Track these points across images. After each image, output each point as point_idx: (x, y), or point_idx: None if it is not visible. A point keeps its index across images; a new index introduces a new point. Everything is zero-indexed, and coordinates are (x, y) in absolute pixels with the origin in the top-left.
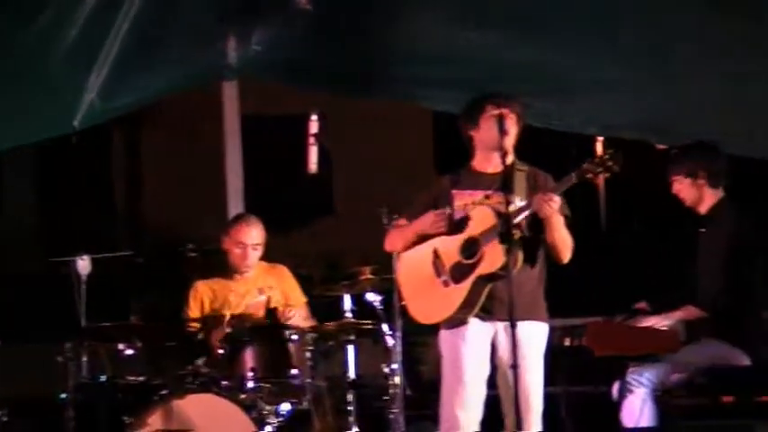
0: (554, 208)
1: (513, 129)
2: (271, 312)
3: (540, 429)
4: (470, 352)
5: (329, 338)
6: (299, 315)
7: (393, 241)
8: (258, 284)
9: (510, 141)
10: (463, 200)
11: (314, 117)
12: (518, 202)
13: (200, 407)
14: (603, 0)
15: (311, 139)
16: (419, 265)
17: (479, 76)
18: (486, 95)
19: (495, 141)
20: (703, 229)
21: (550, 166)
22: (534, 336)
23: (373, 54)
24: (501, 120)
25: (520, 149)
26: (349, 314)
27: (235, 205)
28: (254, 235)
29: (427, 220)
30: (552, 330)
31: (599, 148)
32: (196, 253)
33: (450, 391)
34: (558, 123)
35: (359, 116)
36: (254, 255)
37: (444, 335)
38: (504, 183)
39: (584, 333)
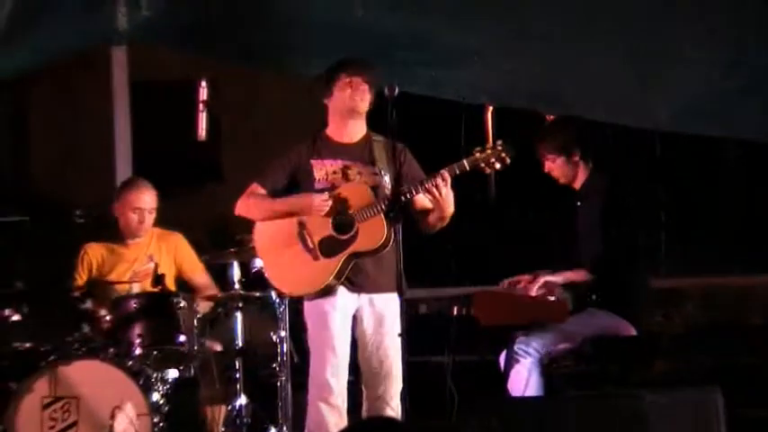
0: (449, 191)
1: (365, 96)
2: (159, 278)
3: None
4: (339, 319)
5: (217, 306)
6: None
7: (250, 210)
8: (149, 251)
9: (363, 108)
10: (324, 169)
11: (203, 84)
12: (384, 174)
13: (86, 373)
14: None
15: (200, 106)
16: (282, 235)
17: (370, 47)
18: (340, 63)
19: (347, 108)
20: (579, 203)
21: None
22: (394, 307)
23: (262, 22)
24: (353, 87)
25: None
26: (236, 282)
27: (123, 171)
28: (147, 199)
29: (305, 203)
30: (440, 300)
31: (489, 118)
32: (84, 218)
33: (320, 358)
34: (448, 92)
35: (249, 83)
36: (149, 219)
37: (312, 304)
38: (375, 155)
39: (471, 302)
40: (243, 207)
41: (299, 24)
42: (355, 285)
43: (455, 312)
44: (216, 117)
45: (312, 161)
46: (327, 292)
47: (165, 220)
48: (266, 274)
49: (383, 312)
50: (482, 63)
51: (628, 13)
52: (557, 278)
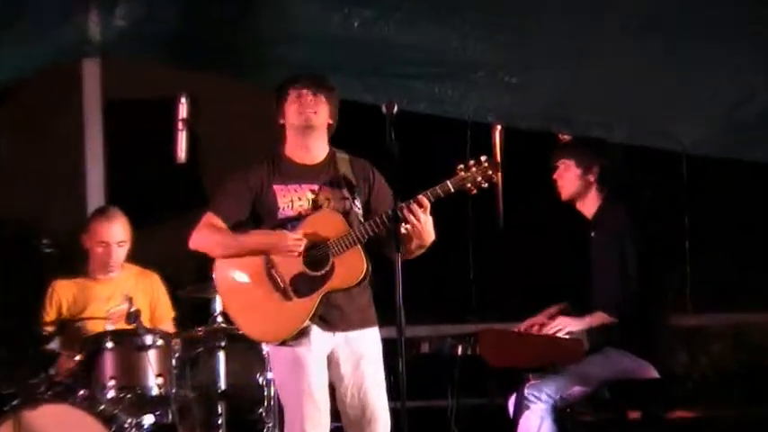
0: (427, 217)
1: (319, 108)
2: (134, 315)
3: None
4: (315, 363)
5: (198, 344)
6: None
7: (210, 245)
8: (124, 289)
9: (316, 121)
10: (288, 196)
11: (183, 100)
12: (355, 197)
13: (54, 419)
14: None
15: (180, 125)
16: (247, 274)
17: (367, 60)
18: (287, 79)
19: (300, 124)
20: (593, 234)
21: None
22: (372, 343)
23: (248, 33)
24: (301, 100)
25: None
26: (220, 318)
27: (96, 197)
28: (116, 232)
29: (275, 243)
30: (443, 338)
31: (497, 139)
32: (52, 249)
33: (297, 409)
34: (453, 110)
35: (232, 99)
36: (119, 253)
37: (281, 348)
38: (345, 180)
39: (476, 341)
40: (201, 241)
41: (287, 36)
42: (329, 323)
43: (459, 352)
44: (197, 136)
45: (275, 186)
46: (301, 335)
47: (144, 250)
48: (232, 318)
49: (361, 351)
50: (489, 78)
51: (650, 28)
52: (578, 325)
